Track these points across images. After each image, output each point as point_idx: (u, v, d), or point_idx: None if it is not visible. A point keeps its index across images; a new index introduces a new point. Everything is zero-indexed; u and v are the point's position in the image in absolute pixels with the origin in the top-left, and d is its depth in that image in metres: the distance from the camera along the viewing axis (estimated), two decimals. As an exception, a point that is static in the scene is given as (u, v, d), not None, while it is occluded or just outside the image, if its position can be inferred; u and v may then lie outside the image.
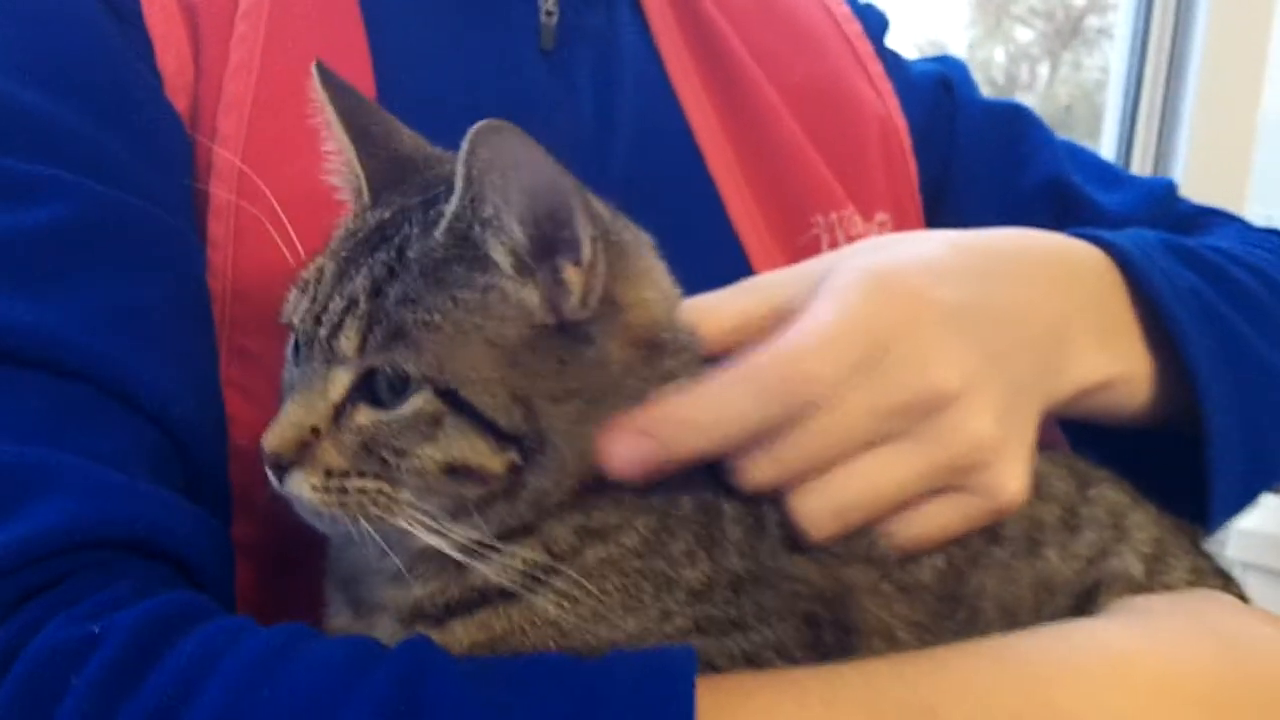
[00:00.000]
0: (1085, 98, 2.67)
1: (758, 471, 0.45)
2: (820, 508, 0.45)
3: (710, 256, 0.56)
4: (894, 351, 0.45)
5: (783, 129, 0.72)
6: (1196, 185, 1.68)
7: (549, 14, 0.65)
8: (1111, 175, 0.79)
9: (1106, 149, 1.78)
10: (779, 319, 0.47)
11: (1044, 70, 2.98)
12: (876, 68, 0.78)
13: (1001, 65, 2.97)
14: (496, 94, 0.62)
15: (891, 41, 0.82)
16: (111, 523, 0.43)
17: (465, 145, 0.40)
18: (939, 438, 0.46)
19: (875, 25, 0.82)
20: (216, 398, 0.52)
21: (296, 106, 0.55)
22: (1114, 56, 1.85)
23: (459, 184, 0.41)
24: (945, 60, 0.84)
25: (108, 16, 0.56)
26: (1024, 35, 2.93)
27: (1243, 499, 0.60)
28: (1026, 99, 2.89)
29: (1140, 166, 1.73)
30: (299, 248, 0.50)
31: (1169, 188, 0.79)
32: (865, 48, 0.79)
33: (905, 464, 0.46)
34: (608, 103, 0.66)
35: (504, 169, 0.41)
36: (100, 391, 0.47)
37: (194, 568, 0.45)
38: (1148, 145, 1.73)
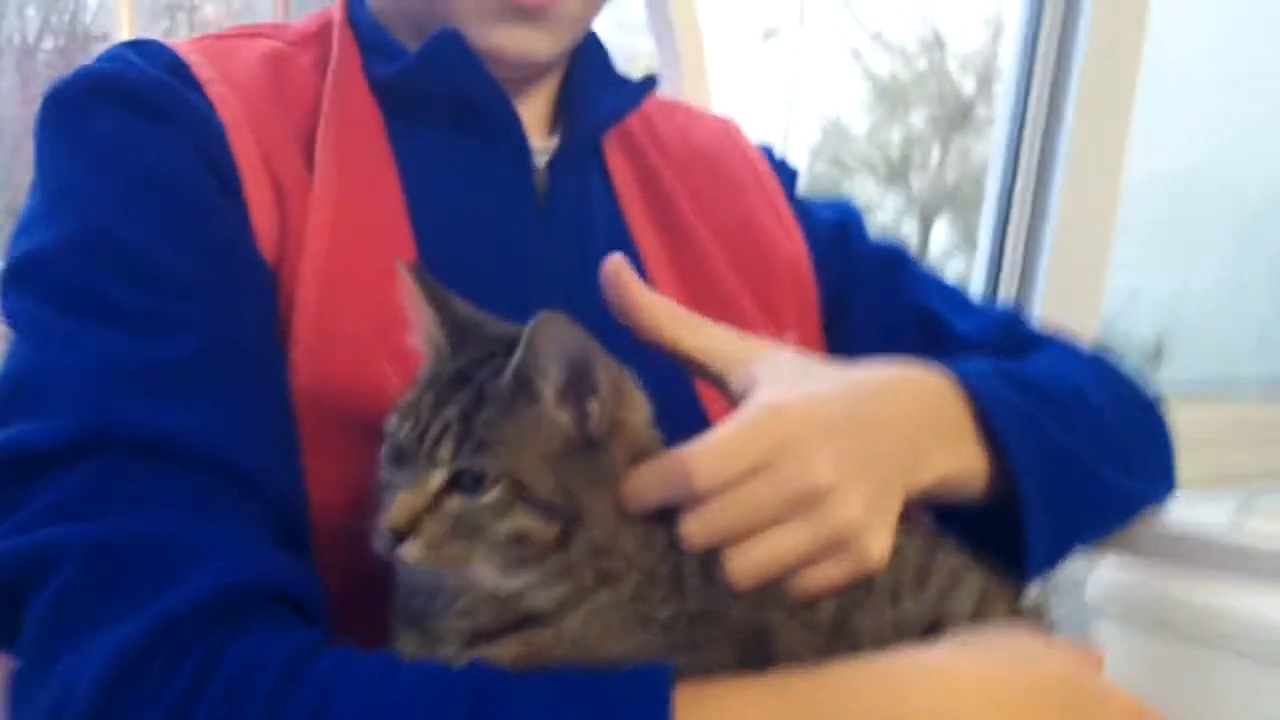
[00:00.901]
0: (972, 178, 2.85)
1: (694, 532, 0.62)
2: (743, 566, 0.62)
3: (662, 379, 0.69)
4: (785, 455, 0.62)
5: (716, 266, 0.88)
6: (1065, 253, 1.87)
7: (541, 178, 0.82)
8: (968, 305, 0.97)
9: (986, 223, 1.97)
10: None
11: (936, 152, 3.15)
12: (787, 213, 0.95)
13: (898, 146, 3.14)
14: (504, 245, 0.79)
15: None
16: (259, 580, 0.58)
17: (530, 326, 0.58)
18: (823, 519, 0.63)
19: (787, 178, 0.99)
20: (303, 484, 0.67)
21: (361, 266, 0.72)
22: (993, 141, 2.02)
23: (523, 346, 0.59)
24: (842, 206, 1.01)
25: (214, 182, 0.71)
26: (918, 120, 3.10)
27: (1051, 561, 0.78)
28: (919, 178, 3.08)
29: (1014, 238, 1.92)
30: (366, 368, 0.68)
31: (1013, 316, 0.97)
32: (779, 198, 0.96)
33: (800, 537, 0.63)
34: (586, 248, 0.81)
35: (553, 340, 0.59)
36: (232, 482, 0.62)
37: (310, 612, 0.61)
38: (1021, 221, 1.92)
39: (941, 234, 2.96)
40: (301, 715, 0.54)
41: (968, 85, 2.95)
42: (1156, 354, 2.64)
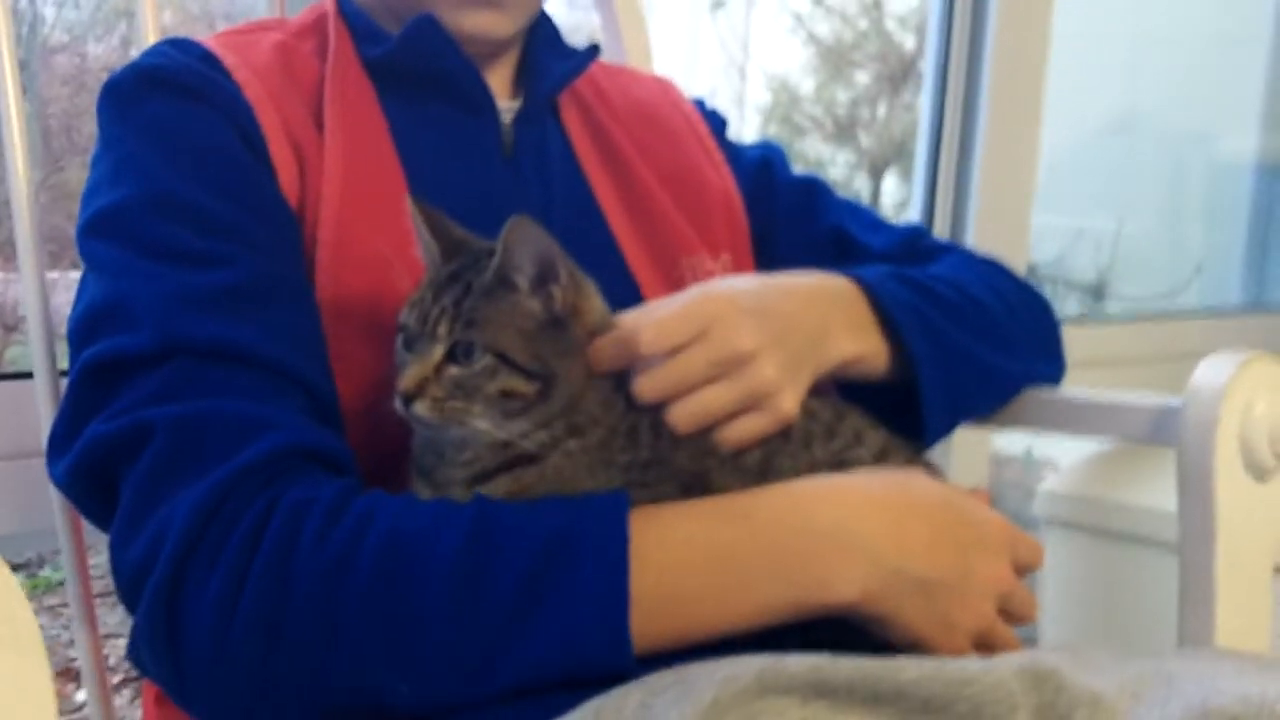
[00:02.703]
0: (917, 132, 2.98)
1: (644, 389, 0.79)
2: (682, 415, 0.79)
3: (616, 291, 0.85)
4: (714, 329, 0.79)
5: (658, 200, 1.03)
6: (990, 197, 2.02)
7: (507, 133, 0.98)
8: (878, 223, 1.13)
9: (919, 174, 2.12)
10: None
11: (882, 109, 3.28)
12: (718, 156, 1.11)
13: (845, 104, 3.28)
14: (479, 188, 0.94)
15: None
16: (307, 445, 0.75)
17: (506, 228, 0.74)
18: (744, 378, 0.79)
19: (717, 124, 1.16)
20: (333, 380, 0.83)
21: (366, 206, 0.87)
22: (921, 97, 2.16)
23: (500, 248, 0.75)
24: (767, 146, 1.17)
25: (248, 149, 0.86)
26: (863, 78, 3.23)
27: (946, 427, 0.96)
28: (866, 136, 3.22)
29: (944, 185, 2.07)
30: (377, 286, 0.84)
31: (918, 230, 1.14)
32: (710, 142, 1.12)
33: (727, 393, 0.79)
34: (547, 191, 0.98)
35: (523, 240, 0.75)
36: (280, 377, 0.78)
37: (347, 470, 0.78)
38: (949, 172, 2.08)
39: (892, 186, 3.10)
40: (346, 537, 0.70)
41: (908, 42, 3.08)
42: (1100, 288, 2.82)
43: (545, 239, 0.75)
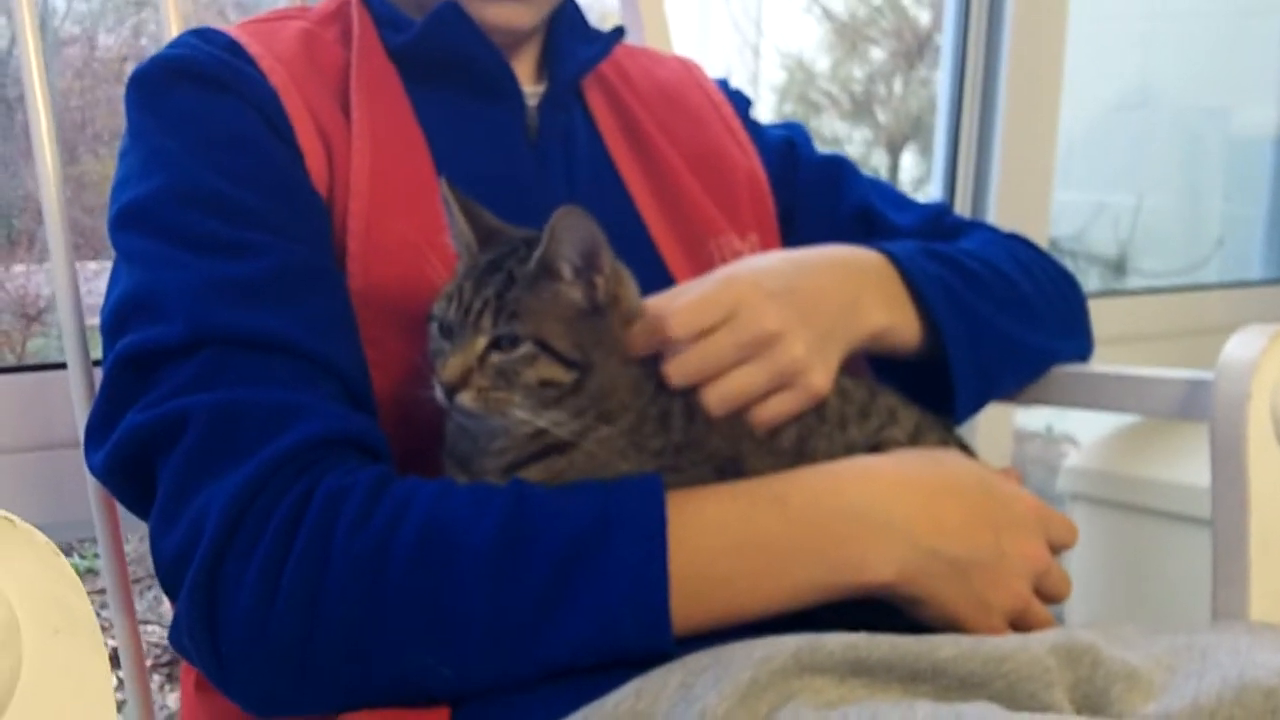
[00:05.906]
0: (934, 108, 2.97)
1: (673, 374, 0.80)
2: (715, 398, 0.79)
3: (645, 274, 0.85)
4: (741, 311, 0.80)
5: (684, 182, 1.03)
6: (1012, 172, 2.00)
7: (532, 118, 0.98)
8: (903, 201, 1.13)
9: (940, 150, 2.11)
10: None
11: (899, 85, 3.26)
12: (743, 136, 1.11)
13: (860, 81, 3.26)
14: (505, 174, 0.94)
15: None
16: (341, 432, 0.75)
17: (554, 218, 0.74)
18: (773, 359, 0.80)
19: (741, 105, 1.16)
20: (366, 366, 0.83)
21: (396, 193, 0.88)
22: (940, 73, 2.15)
23: (547, 236, 0.75)
24: (791, 125, 1.17)
25: (275, 137, 0.86)
26: (878, 55, 3.21)
27: (976, 402, 0.96)
28: (883, 112, 3.20)
29: (964, 164, 2.05)
30: (409, 273, 0.84)
31: (942, 208, 1.14)
32: (735, 122, 1.12)
33: (757, 374, 0.80)
34: (572, 176, 0.98)
35: (570, 229, 0.75)
36: (313, 365, 0.78)
37: (382, 456, 0.78)
38: (969, 148, 2.07)
39: (910, 162, 3.09)
40: (383, 523, 0.71)
41: (923, 17, 3.06)
42: (1120, 262, 2.81)
43: (592, 228, 0.75)
